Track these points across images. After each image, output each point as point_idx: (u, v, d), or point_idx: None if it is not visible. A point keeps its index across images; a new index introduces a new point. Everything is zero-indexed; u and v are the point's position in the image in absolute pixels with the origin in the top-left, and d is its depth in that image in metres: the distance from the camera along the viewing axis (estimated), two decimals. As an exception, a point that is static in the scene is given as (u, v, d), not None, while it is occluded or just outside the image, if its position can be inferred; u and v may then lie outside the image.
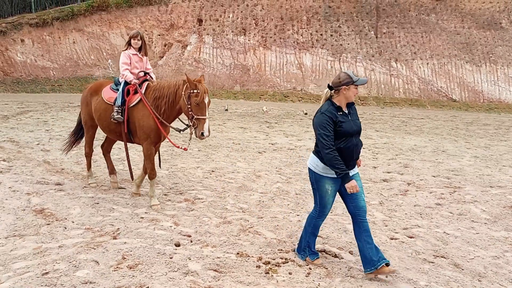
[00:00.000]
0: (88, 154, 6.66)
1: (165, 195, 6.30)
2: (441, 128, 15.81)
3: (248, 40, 27.25)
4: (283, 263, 4.20)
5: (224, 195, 6.46)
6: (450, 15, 27.61)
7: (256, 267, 4.09)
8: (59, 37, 26.10)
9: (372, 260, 3.93)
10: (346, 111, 4.10)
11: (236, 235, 4.90)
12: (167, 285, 3.70)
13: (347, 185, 3.87)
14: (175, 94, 5.43)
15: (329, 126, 3.91)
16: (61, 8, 27.48)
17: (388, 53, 26.39)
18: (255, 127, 13.24)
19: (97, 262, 4.03)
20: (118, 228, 4.88)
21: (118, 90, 5.85)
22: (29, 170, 7.22)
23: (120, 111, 5.70)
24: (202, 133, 5.14)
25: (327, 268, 4.15)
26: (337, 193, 4.20)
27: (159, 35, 27.81)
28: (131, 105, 5.71)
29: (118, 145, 7.77)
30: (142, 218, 5.27)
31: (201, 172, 7.66)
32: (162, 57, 27.51)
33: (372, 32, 27.06)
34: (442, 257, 4.54)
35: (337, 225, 5.37)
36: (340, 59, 26.34)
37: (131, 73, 5.90)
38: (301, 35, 27.06)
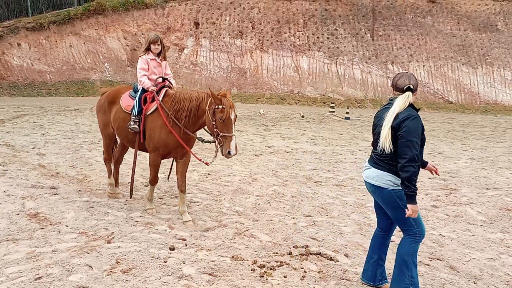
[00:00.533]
0: (106, 160, 6.34)
1: (160, 198, 6.28)
2: (438, 130, 15.84)
3: (245, 43, 27.28)
4: (278, 266, 4.18)
5: (220, 198, 6.44)
6: (446, 18, 27.71)
7: (251, 270, 4.07)
8: (56, 41, 26.07)
9: (375, 276, 3.89)
10: None
11: (231, 239, 4.88)
12: (161, 289, 3.68)
13: (412, 207, 3.41)
14: (197, 108, 4.99)
15: (420, 135, 3.46)
16: (58, 12, 27.45)
17: (385, 55, 26.46)
18: (251, 130, 13.23)
19: (91, 267, 4.00)
20: (112, 232, 4.85)
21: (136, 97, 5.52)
22: (24, 174, 7.18)
23: (137, 120, 5.34)
24: (229, 152, 4.71)
25: (322, 271, 4.13)
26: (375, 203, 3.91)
27: (156, 38, 27.74)
28: (148, 113, 5.33)
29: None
30: (137, 222, 5.24)
31: (197, 175, 7.64)
32: (159, 60, 27.43)
33: (369, 35, 27.13)
34: (437, 259, 4.53)
35: (333, 227, 5.36)
36: (336, 61, 26.40)
37: (149, 79, 5.52)
38: (298, 38, 27.11)
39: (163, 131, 5.18)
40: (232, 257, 4.35)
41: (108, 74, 26.49)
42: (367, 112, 22.03)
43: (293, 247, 4.70)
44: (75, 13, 26.83)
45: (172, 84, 5.68)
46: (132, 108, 5.42)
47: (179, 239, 4.77)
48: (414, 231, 3.61)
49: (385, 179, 3.58)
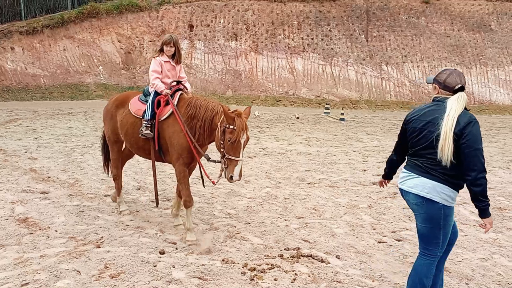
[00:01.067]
0: (117, 176, 5.76)
1: (151, 201, 6.23)
2: (432, 130, 15.83)
3: (240, 45, 27.28)
4: (269, 269, 4.15)
5: (212, 201, 6.40)
6: (439, 18, 27.80)
7: (241, 273, 4.04)
8: (50, 45, 25.99)
9: None
10: None
11: (222, 242, 4.84)
12: (150, 294, 3.63)
13: (488, 220, 3.16)
14: (211, 120, 4.63)
15: None
16: (51, 15, 27.37)
17: (379, 56, 26.51)
18: (246, 132, 13.19)
19: (79, 272, 3.95)
20: (102, 237, 4.80)
21: (147, 101, 5.08)
22: (15, 178, 7.12)
23: (149, 125, 4.91)
24: (231, 177, 4.36)
25: (313, 273, 4.10)
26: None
27: (150, 41, 27.76)
28: (162, 118, 4.91)
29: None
30: (127, 226, 5.20)
31: (190, 178, 7.58)
32: (154, 63, 27.40)
33: (363, 36, 27.18)
34: (429, 260, 4.49)
35: (325, 229, 5.33)
36: (331, 63, 26.42)
37: (163, 82, 5.13)
38: (292, 40, 27.13)
39: (182, 134, 4.78)
40: (223, 260, 4.31)
41: (103, 77, 26.43)
42: (362, 113, 22.07)
43: (285, 249, 4.66)
44: (69, 16, 26.76)
45: (187, 88, 5.26)
46: (144, 113, 4.99)
47: (169, 243, 4.73)
48: (435, 252, 3.32)
49: (439, 192, 3.16)
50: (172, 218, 5.34)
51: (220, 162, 4.58)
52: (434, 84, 3.35)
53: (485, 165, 3.05)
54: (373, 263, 4.35)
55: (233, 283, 3.88)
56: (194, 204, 6.13)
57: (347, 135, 13.33)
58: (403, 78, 26.21)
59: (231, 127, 4.33)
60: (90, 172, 7.78)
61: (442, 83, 3.27)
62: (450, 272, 4.20)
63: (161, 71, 5.16)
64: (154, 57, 5.27)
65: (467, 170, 3.04)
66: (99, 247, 4.54)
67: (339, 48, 26.72)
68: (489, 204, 3.12)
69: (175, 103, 4.91)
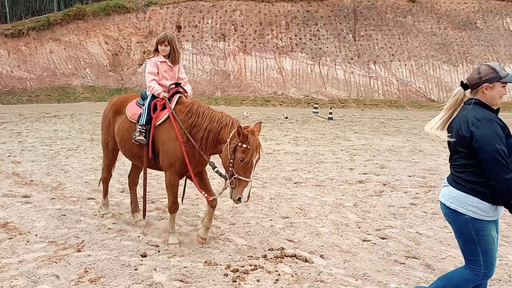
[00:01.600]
0: (106, 180, 5.59)
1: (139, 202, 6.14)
2: (419, 128, 15.93)
3: (228, 46, 27.22)
4: (252, 270, 4.10)
5: (197, 202, 6.34)
6: (426, 17, 28.00)
7: (224, 275, 3.99)
8: (36, 47, 25.70)
9: None
10: None
11: (206, 243, 4.78)
12: (130, 298, 3.57)
13: None
14: (217, 133, 4.25)
15: (503, 139, 2.81)
16: (37, 18, 27.10)
17: (367, 55, 26.62)
18: (233, 133, 13.14)
19: (58, 277, 3.87)
20: (83, 240, 4.72)
21: (144, 105, 4.79)
22: (-4, 183, 7.00)
23: (144, 130, 4.60)
24: (239, 198, 4.03)
25: (296, 273, 4.06)
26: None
27: (138, 42, 27.60)
28: (158, 123, 4.58)
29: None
30: (110, 229, 5.12)
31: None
32: (141, 64, 27.28)
33: (350, 35, 27.27)
34: (413, 257, 4.49)
35: (310, 228, 5.30)
36: (319, 62, 26.48)
37: (160, 85, 4.79)
38: (281, 40, 27.14)
39: (177, 144, 4.42)
40: (205, 262, 4.26)
41: (90, 79, 26.21)
42: (351, 112, 22.13)
43: (269, 249, 4.62)
44: (55, 18, 26.51)
45: (187, 92, 4.90)
46: (139, 117, 4.68)
47: (152, 245, 4.66)
48: (478, 272, 2.98)
49: (464, 202, 2.93)
50: (201, 230, 4.72)
51: (225, 178, 4.25)
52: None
53: (510, 168, 2.74)
54: (357, 262, 4.33)
55: (215, 285, 3.82)
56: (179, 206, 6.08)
57: (335, 134, 13.34)
58: (391, 77, 26.34)
59: (244, 146, 3.96)
60: (74, 175, 7.68)
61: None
62: (433, 270, 4.19)
63: (158, 73, 4.81)
64: (149, 58, 4.93)
65: (488, 176, 2.81)
66: (80, 251, 4.46)
67: (327, 47, 26.79)
68: None
69: (173, 107, 4.56)
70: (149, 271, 4.03)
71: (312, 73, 26.19)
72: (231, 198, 4.14)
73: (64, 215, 5.54)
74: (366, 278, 3.98)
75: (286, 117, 17.98)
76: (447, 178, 3.14)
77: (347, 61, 26.36)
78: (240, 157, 3.97)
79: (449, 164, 3.15)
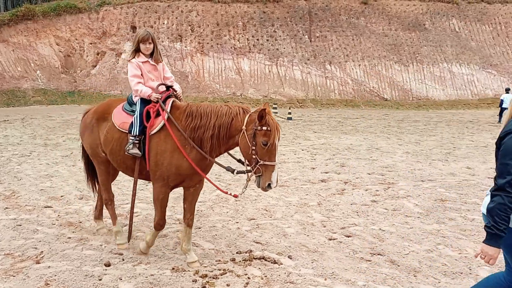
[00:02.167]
0: (107, 201, 4.87)
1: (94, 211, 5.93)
2: (375, 126, 16.40)
3: (185, 47, 26.92)
4: (221, 275, 4.05)
5: (161, 207, 6.20)
6: (378, 18, 28.89)
7: (192, 281, 3.91)
8: (-20, 48, 24.39)
9: None
10: None
11: (172, 249, 4.69)
12: (95, 310, 3.43)
13: (484, 248, 2.68)
14: (228, 126, 3.94)
15: None
16: (-19, 18, 25.74)
17: (322, 56, 27.13)
18: (193, 135, 13.00)
19: (16, 292, 3.67)
20: (42, 251, 4.50)
21: (133, 112, 4.33)
22: None
23: (137, 142, 4.17)
24: (269, 185, 3.79)
25: (266, 276, 4.05)
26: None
27: (91, 43, 26.78)
28: (153, 132, 4.15)
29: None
30: (70, 238, 4.91)
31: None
32: (95, 66, 26.50)
33: (306, 36, 27.69)
34: (378, 254, 4.59)
35: (276, 229, 5.31)
36: (277, 63, 26.71)
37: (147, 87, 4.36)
38: (238, 41, 27.15)
39: (175, 155, 4.06)
40: (173, 269, 4.17)
41: (41, 82, 25.16)
42: (309, 112, 22.45)
43: (237, 253, 4.59)
44: (2, 19, 25.28)
45: (177, 92, 4.51)
46: (131, 126, 4.22)
47: (115, 253, 4.51)
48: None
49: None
50: (184, 255, 4.40)
51: (249, 171, 3.95)
52: None
53: (507, 184, 2.58)
54: (324, 261, 4.38)
55: (185, 291, 3.75)
56: (141, 211, 5.94)
57: (295, 134, 13.49)
58: (346, 77, 26.96)
59: (264, 128, 3.72)
60: (28, 182, 7.32)
61: None
62: (398, 266, 4.30)
63: (141, 74, 4.39)
64: (129, 60, 4.47)
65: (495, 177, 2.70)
66: (39, 263, 4.24)
67: (284, 48, 27.06)
68: (494, 231, 2.62)
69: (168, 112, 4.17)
70: (114, 281, 3.90)
71: (270, 74, 26.38)
72: (259, 186, 3.86)
73: (20, 225, 5.26)
74: (334, 277, 4.03)
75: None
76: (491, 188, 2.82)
77: (304, 61, 26.74)
78: (262, 141, 3.74)
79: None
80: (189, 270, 4.14)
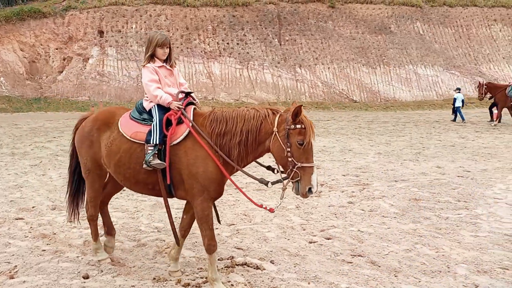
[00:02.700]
0: (93, 217, 4.57)
1: (70, 222, 5.75)
2: (346, 128, 16.65)
3: (154, 51, 26.57)
4: (204, 283, 4.01)
5: (137, 215, 6.09)
6: (345, 22, 29.40)
7: (176, 290, 3.86)
8: None
9: None
10: None
11: (152, 258, 4.60)
12: (76, 325, 3.33)
13: None
14: (257, 130, 3.68)
15: None
16: None
17: (292, 59, 27.38)
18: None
19: (-10, 310, 3.51)
20: (16, 266, 4.33)
21: (144, 120, 4.03)
22: None
23: (157, 152, 3.82)
24: (310, 189, 3.52)
25: (249, 282, 4.03)
26: None
27: (57, 48, 26.10)
28: (175, 142, 3.83)
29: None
30: (44, 250, 4.75)
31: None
32: (62, 71, 25.83)
33: (276, 40, 27.89)
34: (359, 255, 4.65)
35: (257, 234, 5.30)
36: (248, 66, 26.75)
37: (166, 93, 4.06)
38: (208, 44, 27.06)
39: (209, 162, 3.75)
40: (154, 279, 4.09)
41: (5, 89, 24.33)
42: (280, 115, 22.51)
43: (218, 259, 4.55)
44: (-40, 23, 24.29)
45: (195, 99, 4.22)
46: (148, 135, 3.85)
47: (93, 265, 4.39)
48: None
49: None
50: (169, 262, 4.27)
51: (286, 179, 3.67)
52: None
53: None
54: (307, 265, 4.40)
55: (168, 301, 3.69)
56: (117, 221, 5.80)
57: (268, 138, 13.51)
58: (316, 80, 27.29)
59: (299, 126, 3.50)
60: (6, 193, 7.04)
61: None
62: (379, 266, 4.37)
63: (159, 80, 4.10)
64: (144, 66, 4.16)
65: None
66: (13, 278, 4.08)
67: (255, 52, 27.15)
68: None
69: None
70: (94, 294, 3.79)
71: (241, 77, 26.40)
72: (298, 193, 3.58)
73: (-10, 240, 5.05)
74: (317, 281, 4.06)
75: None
76: None
77: (274, 65, 26.91)
78: (298, 141, 3.50)
79: None
80: (171, 280, 4.08)
